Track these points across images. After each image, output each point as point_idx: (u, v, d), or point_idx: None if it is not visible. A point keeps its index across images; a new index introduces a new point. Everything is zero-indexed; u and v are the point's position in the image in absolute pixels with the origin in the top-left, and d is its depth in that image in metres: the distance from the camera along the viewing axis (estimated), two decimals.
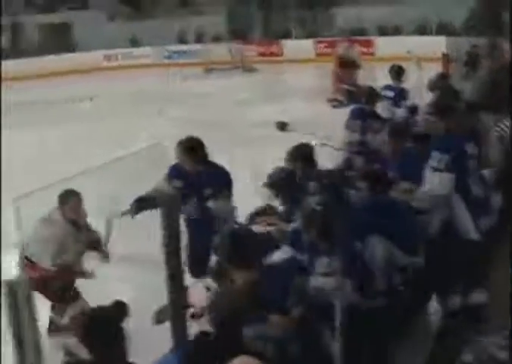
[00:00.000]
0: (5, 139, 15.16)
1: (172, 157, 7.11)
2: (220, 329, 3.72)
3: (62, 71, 27.35)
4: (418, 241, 5.07)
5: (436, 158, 5.53)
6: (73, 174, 8.09)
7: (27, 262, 5.78)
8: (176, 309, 4.56)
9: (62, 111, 19.60)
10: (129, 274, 7.93)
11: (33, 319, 3.56)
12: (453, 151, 5.58)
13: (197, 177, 6.36)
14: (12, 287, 3.56)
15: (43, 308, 4.71)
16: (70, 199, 6.26)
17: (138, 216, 6.39)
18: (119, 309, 3.91)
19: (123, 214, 6.39)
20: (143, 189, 6.62)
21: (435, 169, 5.52)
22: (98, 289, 6.23)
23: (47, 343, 4.75)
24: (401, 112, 9.53)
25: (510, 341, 3.93)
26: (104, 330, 3.62)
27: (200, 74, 25.52)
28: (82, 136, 15.69)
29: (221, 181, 6.39)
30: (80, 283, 6.17)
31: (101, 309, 3.82)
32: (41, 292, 5.60)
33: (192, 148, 6.42)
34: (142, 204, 6.36)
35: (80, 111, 19.80)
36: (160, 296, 4.55)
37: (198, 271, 5.63)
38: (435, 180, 5.52)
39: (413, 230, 5.10)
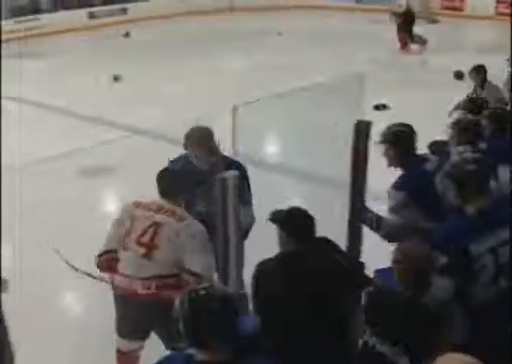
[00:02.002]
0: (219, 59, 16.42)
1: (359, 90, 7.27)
2: None
3: (252, 8, 27.74)
4: None
5: None
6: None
7: None
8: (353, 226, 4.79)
9: (253, 42, 20.18)
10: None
11: None
12: None
13: (211, 172, 4.65)
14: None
15: None
16: None
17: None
18: None
19: None
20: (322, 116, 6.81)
21: None
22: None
23: None
24: None
25: None
26: None
27: (386, 20, 25.14)
28: (268, 65, 16.38)
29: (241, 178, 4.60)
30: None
31: None
32: None
33: (207, 137, 5.16)
34: None
35: (269, 43, 20.25)
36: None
37: None
38: None
39: None
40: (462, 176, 3.75)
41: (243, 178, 4.84)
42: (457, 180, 3.77)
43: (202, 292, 2.83)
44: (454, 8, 27.10)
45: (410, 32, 18.75)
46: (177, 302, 2.81)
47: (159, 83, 15.01)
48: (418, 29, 18.79)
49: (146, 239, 4.29)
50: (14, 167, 8.50)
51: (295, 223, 3.73)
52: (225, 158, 5.19)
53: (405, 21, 18.74)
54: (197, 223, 4.40)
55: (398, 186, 4.48)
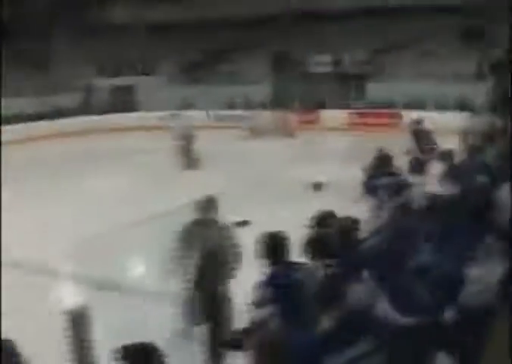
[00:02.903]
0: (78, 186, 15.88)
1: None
2: None
3: (126, 128, 28.01)
4: None
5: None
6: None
7: None
8: None
9: (130, 161, 20.14)
10: None
11: None
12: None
13: None
14: None
15: None
16: None
17: None
18: None
19: None
20: None
21: None
22: None
23: None
24: None
25: None
26: None
27: (246, 137, 25.87)
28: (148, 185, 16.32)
29: None
30: None
31: None
32: None
33: None
34: None
35: (143, 162, 20.25)
36: None
37: None
38: None
39: None
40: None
41: None
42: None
43: None
44: (309, 122, 28.35)
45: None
46: None
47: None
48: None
49: None
50: None
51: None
52: None
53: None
54: None
55: (265, 282, 4.64)
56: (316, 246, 4.98)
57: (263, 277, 4.77)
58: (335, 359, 3.53)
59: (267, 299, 4.54)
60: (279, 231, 5.07)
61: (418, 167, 12.19)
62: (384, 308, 4.55)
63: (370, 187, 8.81)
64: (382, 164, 9.36)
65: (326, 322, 3.68)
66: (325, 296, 3.78)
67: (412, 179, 8.85)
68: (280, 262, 4.88)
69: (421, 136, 14.65)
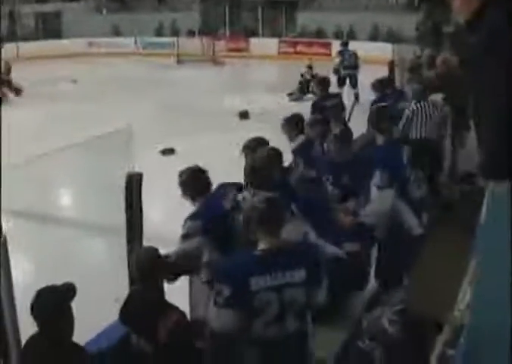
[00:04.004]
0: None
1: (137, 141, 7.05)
2: None
3: (51, 55, 27.05)
4: None
5: (378, 176, 5.47)
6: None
7: None
8: None
9: (48, 91, 19.43)
10: None
11: None
12: (392, 166, 5.54)
13: None
14: None
15: None
16: None
17: None
18: None
19: None
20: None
21: (379, 187, 5.46)
22: None
23: None
24: None
25: None
26: None
27: (173, 65, 25.44)
28: (64, 114, 15.65)
29: None
30: None
31: None
32: None
33: None
34: None
35: (64, 91, 19.62)
36: None
37: None
38: (378, 199, 5.44)
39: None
40: (250, 216, 3.69)
41: None
42: (245, 219, 3.74)
43: None
44: (239, 49, 28.03)
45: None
46: None
47: None
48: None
49: None
50: None
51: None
52: None
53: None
54: None
55: (194, 216, 4.51)
56: (251, 173, 4.82)
57: (192, 210, 4.59)
58: (264, 283, 3.49)
59: (197, 231, 4.42)
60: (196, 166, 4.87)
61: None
62: (314, 239, 4.55)
63: (319, 107, 8.84)
64: (322, 87, 9.40)
65: (262, 246, 3.59)
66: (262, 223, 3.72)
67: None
68: (206, 193, 4.69)
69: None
